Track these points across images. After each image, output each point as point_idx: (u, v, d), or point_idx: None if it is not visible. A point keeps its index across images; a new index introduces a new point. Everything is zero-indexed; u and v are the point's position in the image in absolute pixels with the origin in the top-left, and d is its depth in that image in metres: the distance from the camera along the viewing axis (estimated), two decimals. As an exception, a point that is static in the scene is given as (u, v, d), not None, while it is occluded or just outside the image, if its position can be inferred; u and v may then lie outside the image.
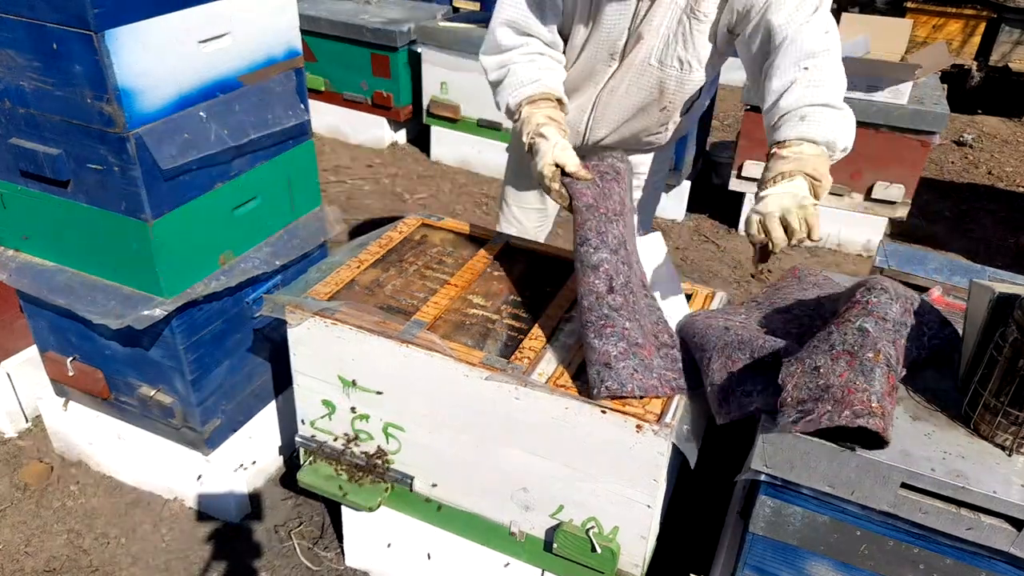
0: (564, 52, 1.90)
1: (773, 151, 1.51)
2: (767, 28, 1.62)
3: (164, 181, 1.76)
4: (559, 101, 1.79)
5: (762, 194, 1.48)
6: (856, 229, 3.87)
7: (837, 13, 5.84)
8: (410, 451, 1.80)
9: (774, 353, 1.42)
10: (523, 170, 2.28)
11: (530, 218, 2.30)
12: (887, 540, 1.38)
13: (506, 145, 2.48)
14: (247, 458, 2.26)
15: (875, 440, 1.27)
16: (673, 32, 1.73)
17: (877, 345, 1.30)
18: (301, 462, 1.97)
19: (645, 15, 1.72)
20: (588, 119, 1.96)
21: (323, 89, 4.70)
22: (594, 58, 1.83)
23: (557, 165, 1.67)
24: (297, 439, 1.95)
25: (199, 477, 2.21)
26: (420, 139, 4.87)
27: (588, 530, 1.62)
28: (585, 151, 1.98)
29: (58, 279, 1.95)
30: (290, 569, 2.14)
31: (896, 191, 3.66)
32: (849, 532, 1.40)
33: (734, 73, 5.95)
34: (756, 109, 3.69)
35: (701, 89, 1.88)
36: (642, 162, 2.11)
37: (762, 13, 1.62)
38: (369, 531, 2.02)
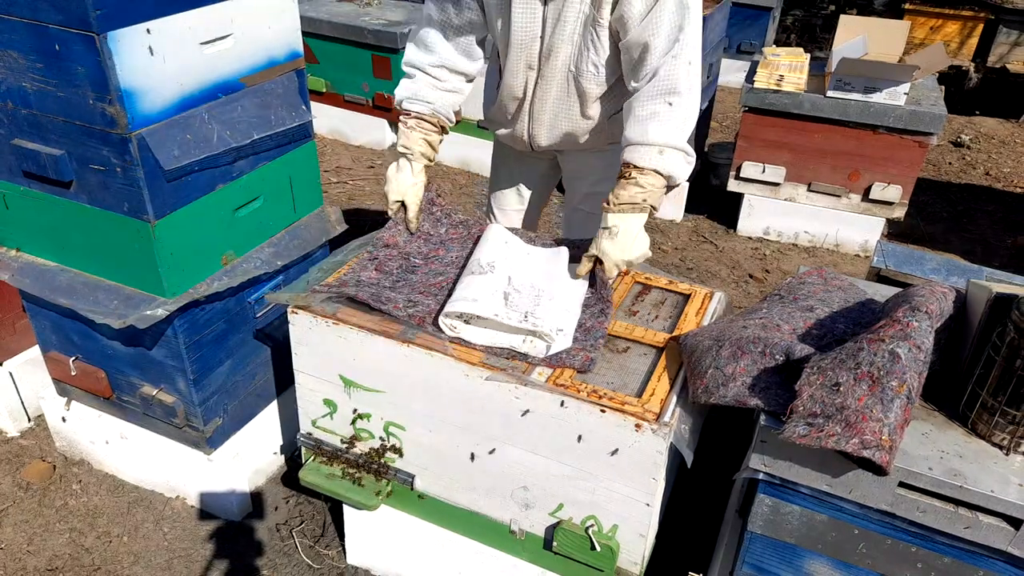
0: (483, 59, 2.04)
1: (632, 173, 1.75)
2: (643, 45, 1.75)
3: (166, 182, 1.77)
4: (443, 128, 2.01)
5: (612, 221, 1.74)
6: (854, 229, 3.88)
7: (835, 15, 5.86)
8: (411, 450, 1.80)
9: (786, 353, 1.43)
10: (501, 173, 2.33)
11: (510, 219, 2.36)
12: (885, 539, 1.39)
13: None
14: (249, 457, 2.27)
15: (876, 467, 1.26)
16: (583, 39, 1.83)
17: (904, 375, 1.25)
18: (302, 461, 1.98)
19: (556, 24, 1.81)
20: (528, 128, 2.05)
21: (324, 91, 4.70)
22: (516, 68, 1.93)
23: (401, 204, 1.96)
24: (298, 438, 1.96)
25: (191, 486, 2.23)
26: (420, 140, 4.88)
27: (588, 528, 1.63)
28: (537, 154, 2.15)
29: (60, 279, 1.96)
30: (292, 567, 2.14)
31: (893, 192, 3.67)
32: (847, 531, 1.41)
33: (733, 75, 5.98)
34: (754, 111, 3.71)
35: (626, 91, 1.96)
36: (588, 163, 2.15)
37: (640, 29, 1.74)
38: (370, 529, 2.02)
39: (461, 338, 1.66)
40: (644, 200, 1.74)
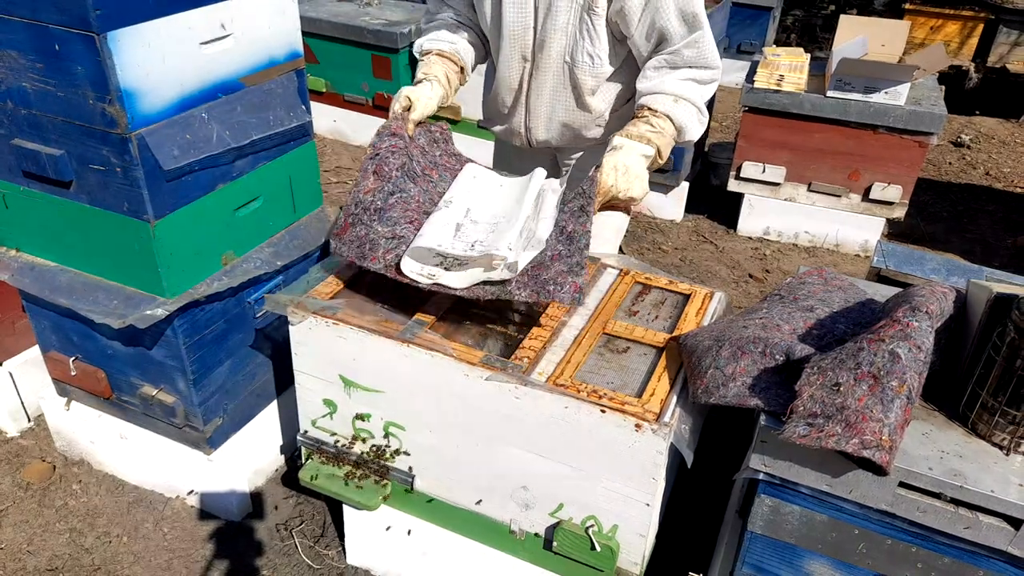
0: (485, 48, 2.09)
1: (645, 113, 1.82)
2: (658, 33, 1.81)
3: (166, 182, 1.77)
4: (462, 69, 2.03)
5: (618, 142, 1.78)
6: (854, 229, 3.88)
7: (835, 15, 5.86)
8: (411, 450, 1.80)
9: (786, 353, 1.43)
10: (503, 169, 2.33)
11: None
12: (885, 539, 1.39)
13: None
14: (249, 457, 2.27)
15: (876, 467, 1.26)
16: (578, 29, 1.84)
17: (904, 375, 1.25)
18: (302, 461, 1.98)
19: (547, 13, 1.83)
20: (525, 121, 2.06)
21: (324, 90, 4.70)
22: (510, 61, 1.94)
23: (409, 100, 1.90)
24: (298, 438, 1.95)
25: (190, 492, 2.26)
26: (420, 140, 4.88)
27: (588, 528, 1.63)
28: (536, 151, 2.17)
29: (60, 279, 1.96)
30: (291, 567, 2.14)
31: (894, 191, 3.67)
32: (847, 531, 1.41)
33: (733, 75, 5.97)
34: (754, 111, 3.71)
35: (625, 82, 1.98)
36: (587, 163, 2.14)
37: (648, 18, 1.78)
38: (370, 529, 2.02)
39: (440, 283, 1.65)
40: (651, 140, 1.79)
